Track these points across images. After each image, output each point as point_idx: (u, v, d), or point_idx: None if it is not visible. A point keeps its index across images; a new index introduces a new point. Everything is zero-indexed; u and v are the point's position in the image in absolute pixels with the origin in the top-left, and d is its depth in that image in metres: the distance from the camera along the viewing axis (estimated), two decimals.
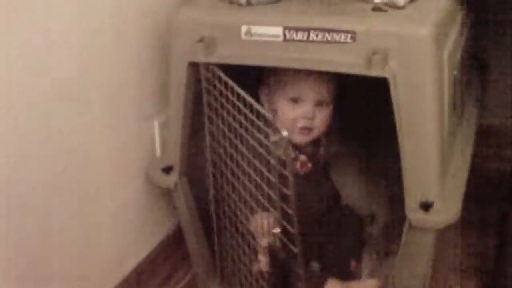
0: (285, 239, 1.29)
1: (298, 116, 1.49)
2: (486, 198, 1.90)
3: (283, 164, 1.22)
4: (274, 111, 1.50)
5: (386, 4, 1.39)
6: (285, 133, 1.20)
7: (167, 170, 1.52)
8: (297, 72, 1.42)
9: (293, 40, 1.34)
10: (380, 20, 1.34)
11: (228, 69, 1.36)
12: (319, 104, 1.49)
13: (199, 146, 1.49)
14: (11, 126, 1.22)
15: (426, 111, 1.30)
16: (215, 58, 1.38)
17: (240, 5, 1.43)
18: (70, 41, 1.33)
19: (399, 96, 1.28)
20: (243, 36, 1.37)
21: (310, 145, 1.55)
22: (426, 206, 1.34)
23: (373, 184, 1.83)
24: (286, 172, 1.22)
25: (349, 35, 1.30)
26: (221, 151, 1.43)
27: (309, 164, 1.54)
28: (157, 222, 1.70)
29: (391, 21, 1.33)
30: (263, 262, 1.40)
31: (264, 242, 1.38)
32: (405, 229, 1.36)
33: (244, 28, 1.36)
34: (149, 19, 1.55)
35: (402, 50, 1.27)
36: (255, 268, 1.43)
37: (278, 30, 1.34)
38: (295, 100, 1.48)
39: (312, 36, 1.32)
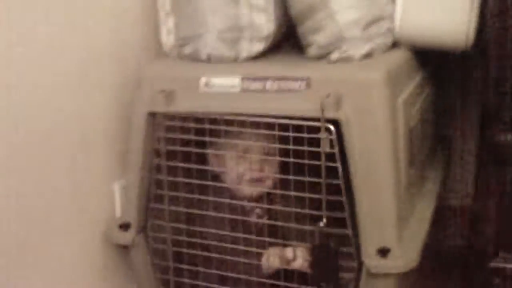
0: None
1: (245, 169, 1.49)
2: (448, 274, 1.90)
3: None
4: (223, 170, 1.52)
5: (342, 59, 1.44)
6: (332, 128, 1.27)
7: (125, 227, 1.52)
8: (242, 127, 1.42)
9: (250, 90, 1.38)
10: (334, 68, 1.40)
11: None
12: (268, 154, 1.49)
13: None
14: None
15: (380, 155, 1.32)
16: (174, 108, 1.41)
17: (201, 61, 1.47)
18: (31, 100, 1.35)
19: (353, 140, 1.31)
20: (201, 88, 1.41)
21: (264, 200, 1.54)
22: (383, 252, 1.33)
23: None
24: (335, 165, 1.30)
25: (304, 83, 1.34)
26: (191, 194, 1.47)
27: (265, 218, 1.53)
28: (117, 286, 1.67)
29: (344, 69, 1.39)
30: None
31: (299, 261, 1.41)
32: (362, 276, 1.36)
33: (203, 80, 1.40)
34: (118, 81, 1.58)
35: (355, 94, 1.31)
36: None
37: (235, 81, 1.38)
38: (241, 156, 1.49)
39: (268, 85, 1.36)
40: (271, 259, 1.43)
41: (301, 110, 1.33)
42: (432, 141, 1.89)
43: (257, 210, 1.53)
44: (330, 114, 1.29)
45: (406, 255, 1.35)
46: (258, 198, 1.52)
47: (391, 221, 1.34)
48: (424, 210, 1.58)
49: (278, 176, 1.48)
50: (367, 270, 1.34)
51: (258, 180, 1.51)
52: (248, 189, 1.51)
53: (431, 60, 1.73)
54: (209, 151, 1.49)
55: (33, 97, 1.35)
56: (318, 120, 1.29)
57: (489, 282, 1.50)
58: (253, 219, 1.50)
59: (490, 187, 1.44)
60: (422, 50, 1.59)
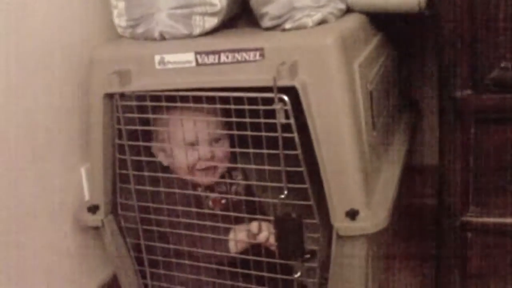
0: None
1: (196, 159, 1.49)
2: (422, 234, 1.93)
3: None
4: (170, 161, 1.52)
5: (295, 28, 1.43)
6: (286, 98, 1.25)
7: (93, 209, 1.52)
8: (186, 115, 1.43)
9: (206, 64, 1.37)
10: (287, 36, 1.39)
11: None
12: (216, 141, 1.50)
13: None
14: None
15: (339, 118, 1.32)
16: (130, 88, 1.40)
17: (154, 39, 1.46)
18: None
19: (311, 106, 1.30)
20: (157, 66, 1.40)
21: (220, 184, 1.56)
22: (352, 215, 1.34)
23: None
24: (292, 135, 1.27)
25: (258, 53, 1.33)
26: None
27: (223, 201, 1.53)
28: (91, 270, 1.68)
29: (297, 36, 1.38)
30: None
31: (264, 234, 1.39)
32: (333, 240, 1.36)
33: (157, 58, 1.40)
34: (75, 66, 1.58)
35: (309, 61, 1.31)
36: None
37: (190, 56, 1.38)
38: (190, 144, 1.48)
39: (223, 58, 1.36)
40: (238, 234, 1.43)
41: (257, 80, 1.32)
42: (399, 103, 1.90)
43: (213, 195, 1.54)
44: (285, 82, 1.28)
45: (375, 216, 1.36)
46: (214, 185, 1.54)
47: (357, 184, 1.35)
48: (392, 171, 1.59)
49: (229, 165, 1.51)
50: (337, 234, 1.35)
51: (213, 168, 1.51)
52: (203, 179, 1.52)
53: (391, 23, 1.74)
54: (154, 143, 1.51)
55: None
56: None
57: (461, 238, 1.50)
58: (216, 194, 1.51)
59: (454, 143, 1.44)
60: (377, 13, 1.59)
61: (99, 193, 1.52)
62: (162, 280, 1.52)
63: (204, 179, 1.52)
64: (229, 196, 1.53)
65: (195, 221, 1.43)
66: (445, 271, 1.52)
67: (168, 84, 1.39)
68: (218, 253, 1.43)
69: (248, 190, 1.54)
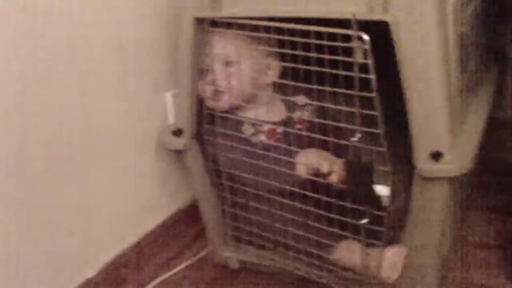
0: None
1: (205, 83, 1.50)
2: (502, 187, 1.91)
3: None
4: None
5: None
6: (365, 37, 1.22)
7: (178, 133, 1.55)
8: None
9: None
10: None
11: None
12: (227, 64, 1.49)
13: None
14: (20, 86, 1.25)
15: (430, 57, 1.29)
16: (220, 14, 1.41)
17: None
18: (86, 13, 1.38)
19: (401, 43, 1.28)
20: None
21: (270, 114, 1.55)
22: (436, 156, 1.32)
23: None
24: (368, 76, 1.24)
25: None
26: None
27: (279, 130, 1.52)
28: (171, 194, 1.72)
29: None
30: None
31: (335, 176, 1.39)
32: (415, 181, 1.34)
33: None
34: None
35: None
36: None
37: None
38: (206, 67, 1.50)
39: None
40: (307, 170, 1.42)
41: (350, 13, 1.30)
42: (486, 53, 1.86)
43: (265, 128, 1.54)
44: (378, 16, 1.26)
45: (458, 160, 1.33)
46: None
47: (443, 125, 1.32)
48: (477, 120, 1.56)
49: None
50: (420, 175, 1.33)
51: (218, 92, 1.51)
52: (213, 104, 1.52)
53: None
54: None
55: (89, 9, 1.37)
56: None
57: None
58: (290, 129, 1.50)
59: None
60: None
61: (184, 117, 1.55)
62: (239, 208, 1.53)
63: (214, 104, 1.51)
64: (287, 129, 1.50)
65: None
66: None
67: (256, 12, 1.38)
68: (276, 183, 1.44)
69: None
